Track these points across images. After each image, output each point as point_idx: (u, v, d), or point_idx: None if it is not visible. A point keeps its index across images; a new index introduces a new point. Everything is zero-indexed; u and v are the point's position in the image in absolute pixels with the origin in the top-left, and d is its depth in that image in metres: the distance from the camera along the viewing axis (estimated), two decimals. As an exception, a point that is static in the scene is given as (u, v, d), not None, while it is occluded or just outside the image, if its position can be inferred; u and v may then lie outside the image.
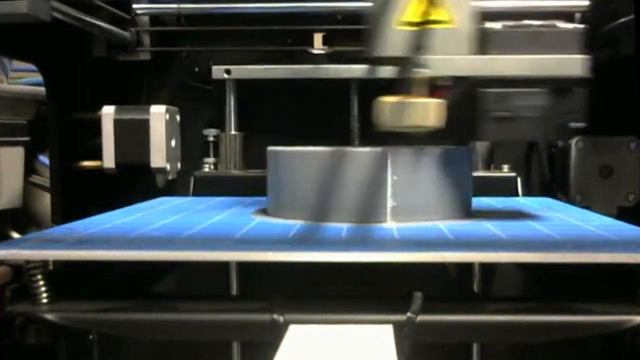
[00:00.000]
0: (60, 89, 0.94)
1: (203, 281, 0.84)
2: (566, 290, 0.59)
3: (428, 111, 0.60)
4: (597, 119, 1.00)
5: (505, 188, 0.96)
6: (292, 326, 0.51)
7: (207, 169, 1.03)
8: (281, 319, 0.52)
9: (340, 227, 0.64)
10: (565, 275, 0.62)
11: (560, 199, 0.99)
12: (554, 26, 0.63)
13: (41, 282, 0.54)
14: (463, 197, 0.72)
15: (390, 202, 0.66)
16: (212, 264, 0.53)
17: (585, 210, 0.77)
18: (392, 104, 0.60)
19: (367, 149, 0.67)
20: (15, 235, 1.21)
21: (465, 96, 0.63)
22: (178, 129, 0.99)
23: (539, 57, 0.62)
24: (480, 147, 1.00)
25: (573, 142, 0.94)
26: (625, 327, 0.51)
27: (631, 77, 0.75)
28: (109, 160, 0.92)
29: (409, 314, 0.51)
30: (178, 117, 0.99)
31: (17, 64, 1.32)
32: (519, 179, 0.97)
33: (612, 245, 0.55)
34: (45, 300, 0.54)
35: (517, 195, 0.95)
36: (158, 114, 0.92)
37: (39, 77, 1.19)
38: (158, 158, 0.92)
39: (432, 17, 0.62)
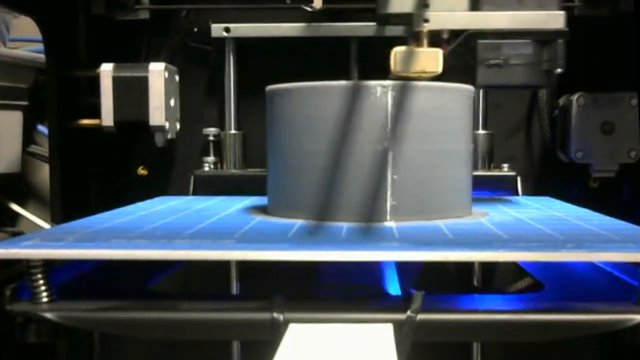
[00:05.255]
0: (58, 45, 0.93)
1: (203, 280, 0.84)
2: (566, 289, 0.60)
3: (432, 59, 0.68)
4: (598, 75, 1.01)
5: (505, 187, 0.96)
6: (292, 325, 0.51)
7: (207, 168, 1.03)
8: (281, 317, 0.52)
9: (340, 226, 0.64)
10: (565, 275, 0.62)
11: (561, 158, 0.99)
12: None
13: (41, 281, 0.54)
14: (463, 196, 0.72)
15: (390, 201, 0.66)
16: (212, 263, 0.53)
17: (585, 209, 0.77)
18: (403, 52, 0.68)
19: (367, 149, 0.67)
20: (14, 206, 1.21)
21: (464, 47, 0.72)
22: (177, 89, 0.99)
23: (525, 12, 0.71)
24: (481, 146, 1.00)
25: (574, 98, 0.94)
26: (625, 326, 0.51)
27: (631, 33, 0.76)
28: (107, 118, 0.92)
29: (409, 313, 0.51)
30: (177, 77, 0.99)
31: (16, 34, 1.31)
32: (518, 178, 0.97)
33: (612, 244, 0.55)
34: (45, 299, 0.54)
35: (517, 194, 0.95)
36: (157, 72, 0.92)
37: (37, 47, 1.19)
38: (157, 116, 0.92)
39: None
